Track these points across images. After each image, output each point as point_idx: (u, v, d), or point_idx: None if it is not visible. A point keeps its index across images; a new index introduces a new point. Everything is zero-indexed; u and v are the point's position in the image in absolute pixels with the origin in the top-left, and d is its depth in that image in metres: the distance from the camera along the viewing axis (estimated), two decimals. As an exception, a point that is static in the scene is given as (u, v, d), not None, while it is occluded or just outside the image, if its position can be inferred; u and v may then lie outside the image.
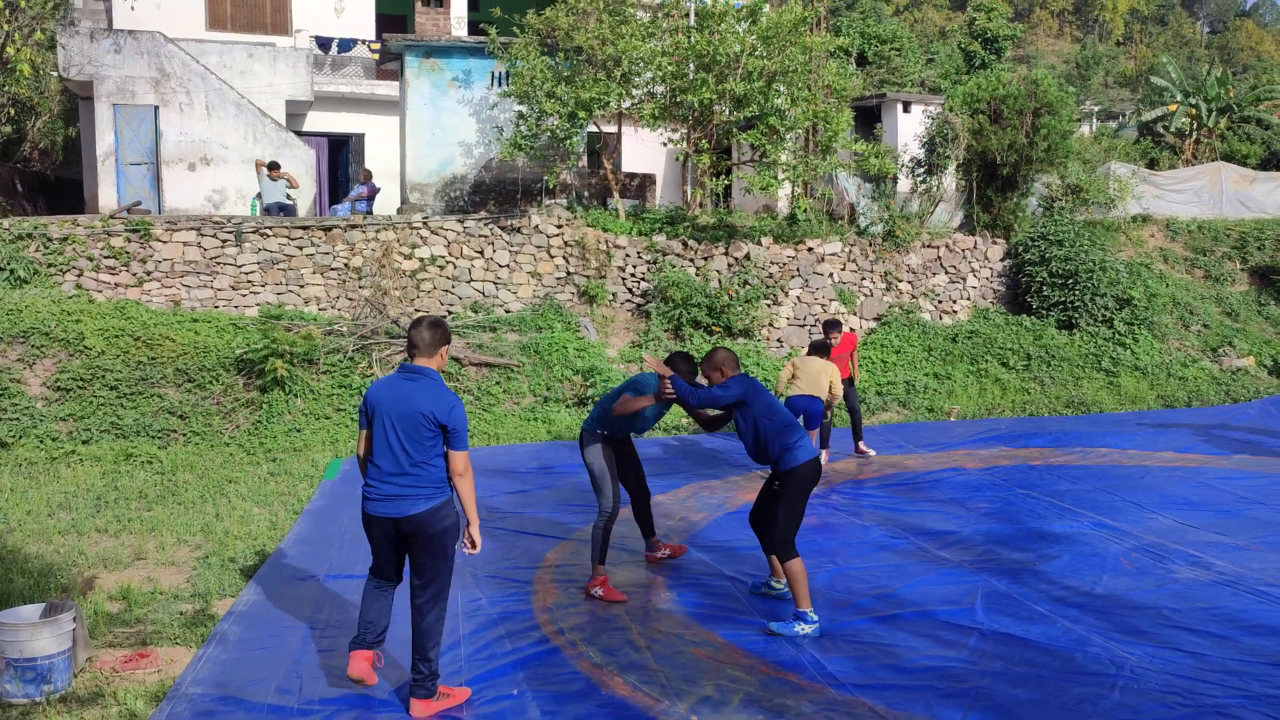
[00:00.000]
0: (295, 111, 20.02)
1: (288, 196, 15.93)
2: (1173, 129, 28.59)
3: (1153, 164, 24.42)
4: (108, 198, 16.32)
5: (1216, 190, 20.65)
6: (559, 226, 14.90)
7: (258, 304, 13.73)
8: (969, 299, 16.48)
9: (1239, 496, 8.72)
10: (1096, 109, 42.47)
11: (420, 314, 14.06)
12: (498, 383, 12.87)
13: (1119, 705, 4.64)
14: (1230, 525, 7.76)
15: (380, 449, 4.64)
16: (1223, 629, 5.59)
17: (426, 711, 4.61)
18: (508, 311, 14.51)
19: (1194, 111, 27.99)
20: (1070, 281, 15.77)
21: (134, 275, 13.34)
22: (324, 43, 21.00)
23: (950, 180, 17.23)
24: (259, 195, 15.99)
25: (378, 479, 4.66)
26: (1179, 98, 28.56)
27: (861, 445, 10.79)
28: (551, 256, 14.85)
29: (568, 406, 12.73)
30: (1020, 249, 16.52)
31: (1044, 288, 15.93)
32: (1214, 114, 27.72)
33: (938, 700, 4.72)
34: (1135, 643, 5.39)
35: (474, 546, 4.74)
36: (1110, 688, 4.83)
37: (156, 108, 16.57)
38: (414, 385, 4.64)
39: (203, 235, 13.66)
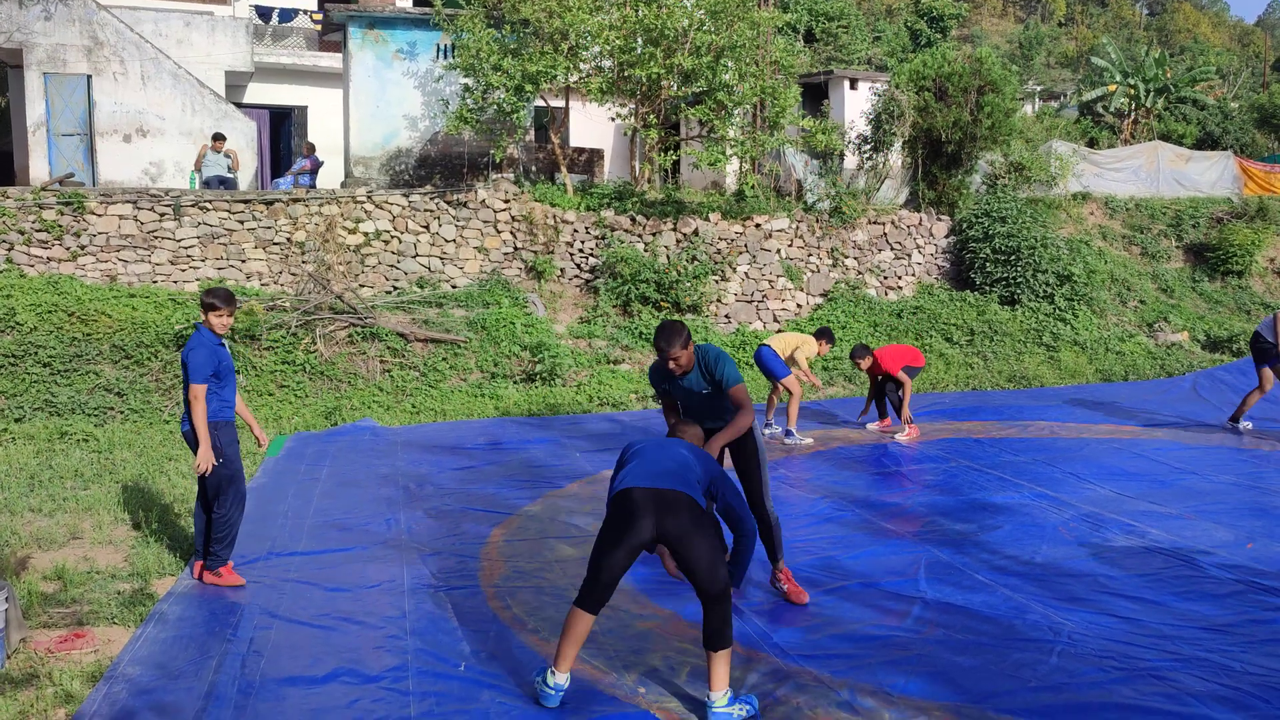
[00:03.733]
0: (235, 83, 19.58)
1: (229, 170, 15.59)
2: (1112, 109, 29.10)
3: (1093, 143, 24.85)
4: (39, 170, 15.84)
5: (1153, 169, 21.08)
6: (506, 201, 14.77)
7: (197, 279, 13.44)
8: (914, 275, 16.66)
9: (1172, 467, 8.94)
10: (1039, 89, 43.03)
11: (364, 288, 13.89)
12: (444, 359, 12.76)
13: (1056, 669, 4.74)
14: (1164, 495, 7.95)
15: None
16: (1156, 595, 5.73)
17: (206, 579, 6.01)
18: (454, 287, 14.37)
19: (1133, 92, 28.51)
20: (1013, 258, 16.00)
21: (67, 249, 12.99)
22: (264, 12, 20.53)
23: (896, 157, 17.37)
24: (198, 168, 15.63)
25: None
26: (1118, 78, 29.07)
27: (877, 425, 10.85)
28: (499, 231, 14.73)
29: (515, 383, 12.66)
30: (964, 226, 16.72)
31: (987, 264, 16.15)
32: (1152, 94, 28.27)
33: (882, 668, 4.78)
34: (1072, 609, 5.51)
35: (200, 466, 5.85)
36: (1048, 653, 4.93)
37: (89, 77, 16.09)
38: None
39: (139, 208, 13.32)
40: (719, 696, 4.26)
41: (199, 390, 5.87)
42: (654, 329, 13.89)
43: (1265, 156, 26.07)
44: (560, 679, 4.41)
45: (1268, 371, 10.66)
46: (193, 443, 5.96)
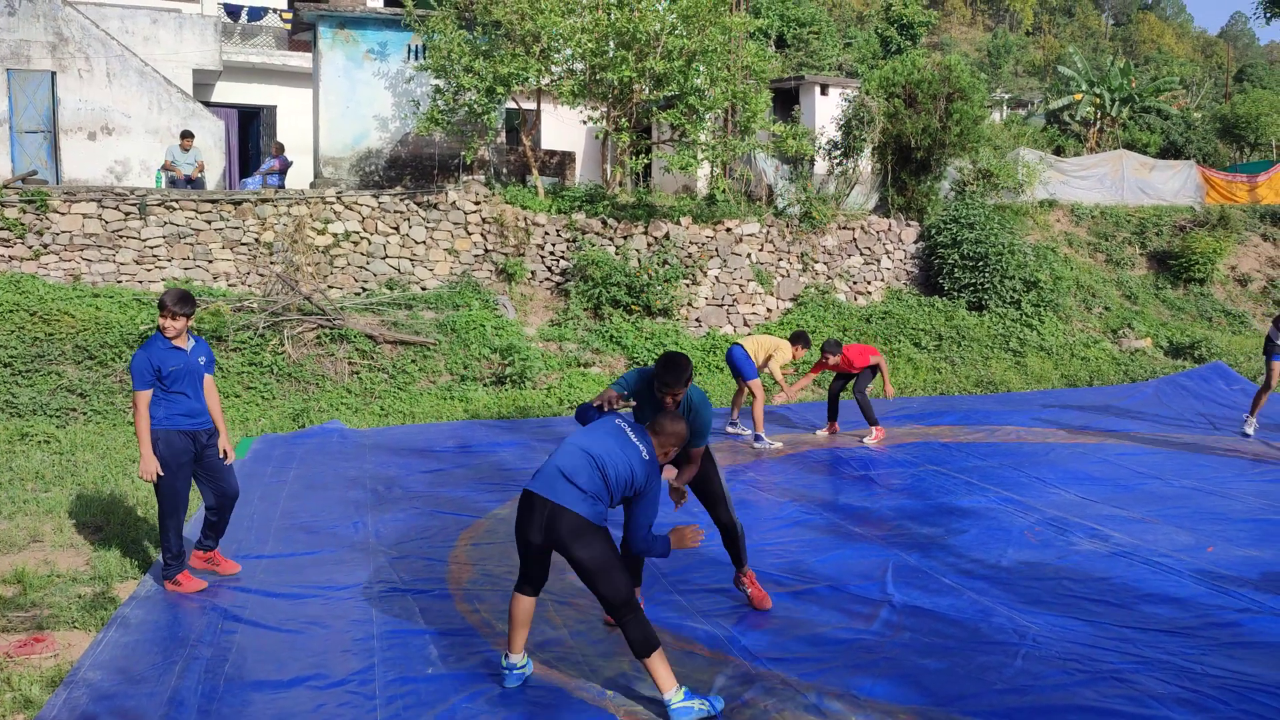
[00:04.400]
0: (203, 81, 19.40)
1: (198, 170, 15.44)
2: (1078, 117, 29.48)
3: (1059, 151, 25.16)
4: (1, 167, 15.60)
5: (1118, 177, 21.37)
6: (477, 203, 14.72)
7: (163, 279, 13.29)
8: (883, 280, 16.77)
9: (1136, 472, 9.05)
10: (1007, 96, 43.50)
11: (333, 289, 13.79)
12: (414, 361, 12.69)
13: (1021, 672, 4.78)
14: (1127, 499, 8.05)
15: None
16: (1119, 598, 5.80)
17: (168, 588, 5.85)
18: (424, 289, 14.30)
19: (1098, 101, 28.89)
20: (980, 264, 16.16)
21: (30, 248, 12.80)
22: (233, 10, 20.35)
23: (866, 163, 17.50)
24: (164, 167, 15.46)
25: None
26: (1084, 87, 29.45)
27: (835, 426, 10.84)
28: (469, 233, 14.68)
29: (485, 385, 12.62)
30: (933, 231, 16.86)
31: (955, 270, 16.30)
32: (1117, 104, 28.65)
33: (849, 671, 4.81)
34: (1037, 612, 5.57)
35: (141, 471, 5.73)
36: (1013, 656, 4.97)
37: (54, 73, 15.87)
38: None
39: (104, 207, 13.16)
40: (673, 694, 4.27)
41: (136, 397, 5.72)
42: (624, 331, 13.93)
43: (1227, 166, 26.52)
44: (515, 659, 4.60)
45: (1276, 365, 10.74)
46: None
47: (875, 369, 10.62)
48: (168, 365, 5.75)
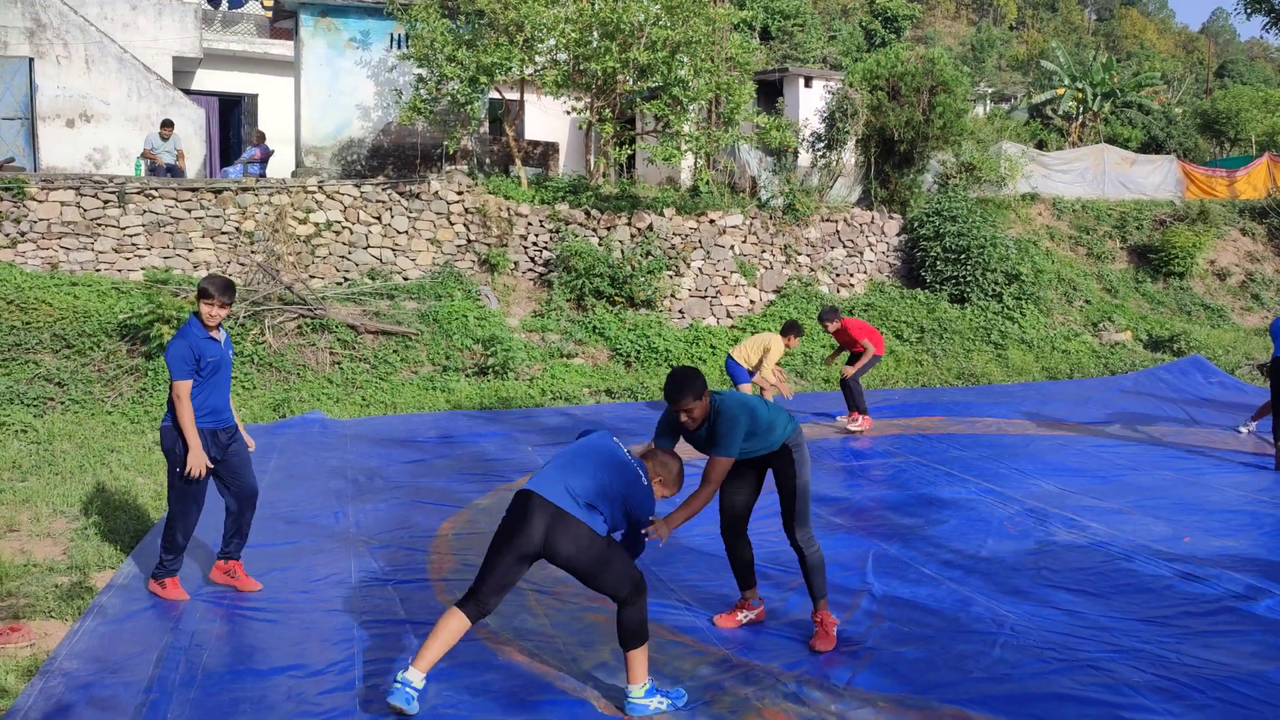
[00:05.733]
0: (183, 69, 19.22)
1: (178, 159, 15.32)
2: (1060, 112, 29.59)
3: (1041, 145, 25.25)
4: (-22, 154, 15.42)
5: (1100, 171, 21.47)
6: (459, 193, 14.66)
7: (143, 268, 13.19)
8: (866, 272, 16.81)
9: (1114, 463, 9.12)
10: (990, 90, 43.63)
11: (314, 279, 13.72)
12: (395, 351, 12.65)
13: (999, 661, 4.81)
14: (1106, 490, 8.11)
15: None
16: (1096, 588, 5.84)
17: (150, 587, 5.64)
18: (406, 279, 14.24)
19: (1080, 95, 29.02)
20: (963, 257, 16.22)
21: (6, 236, 12.67)
22: (214, -3, 20.17)
23: (850, 155, 17.52)
24: (143, 155, 15.32)
25: None
26: (1067, 82, 29.57)
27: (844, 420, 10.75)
28: (451, 223, 14.62)
29: (467, 376, 12.59)
30: (916, 224, 16.90)
31: (938, 262, 16.35)
32: (1099, 98, 28.78)
33: (829, 660, 4.83)
34: (1016, 602, 5.60)
35: (190, 467, 5.40)
36: (991, 644, 5.00)
37: (31, 60, 15.68)
38: None
39: (82, 195, 13.03)
40: (636, 689, 4.24)
41: (178, 388, 5.35)
42: (607, 322, 13.92)
43: (1207, 161, 26.69)
44: (413, 676, 4.09)
45: None
46: (164, 440, 5.49)
47: (876, 358, 10.62)
48: (206, 355, 5.43)
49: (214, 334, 5.53)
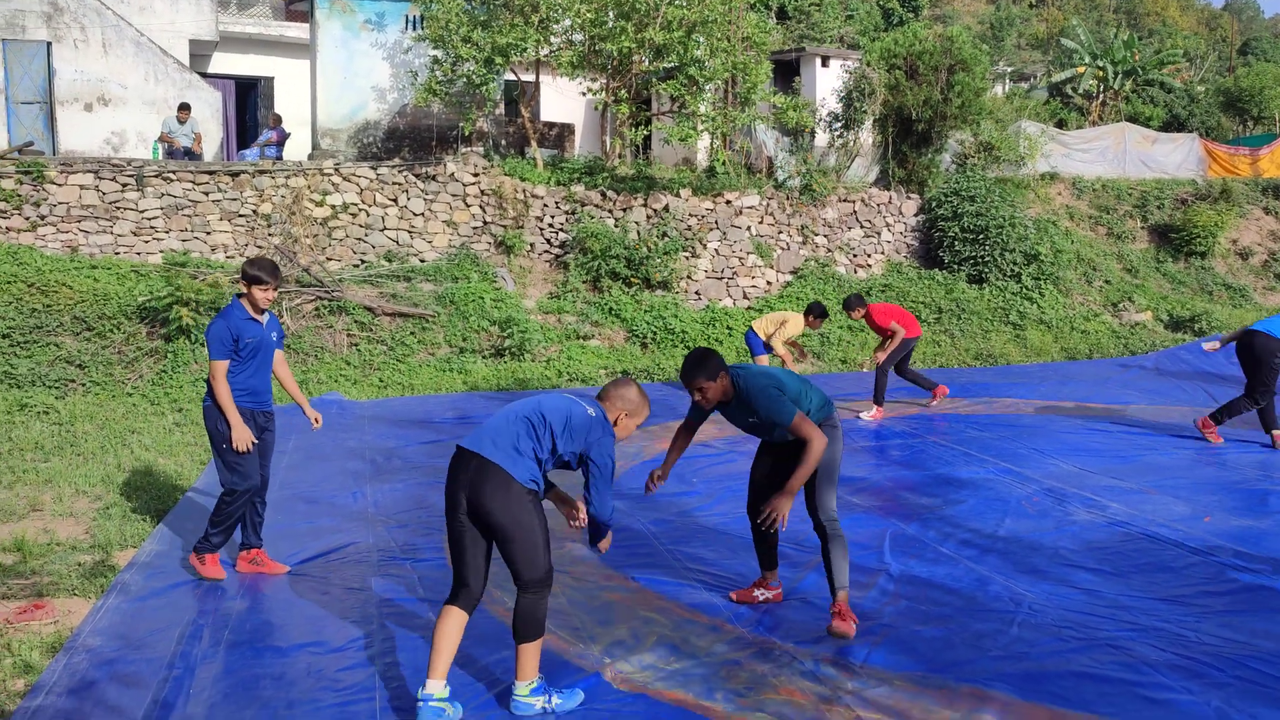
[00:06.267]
0: (200, 52, 19.25)
1: (195, 143, 15.36)
2: (1080, 91, 29.28)
3: (1061, 124, 25.00)
4: (-3, 138, 15.53)
5: (1120, 150, 21.25)
6: (475, 175, 14.66)
7: (161, 251, 13.26)
8: (883, 253, 16.72)
9: (1134, 443, 9.06)
10: (1009, 70, 43.20)
11: (331, 261, 13.76)
12: (412, 333, 12.68)
13: (1016, 640, 4.80)
14: (1125, 470, 8.06)
15: None
16: (1115, 567, 5.82)
17: (191, 560, 5.67)
18: (422, 261, 14.27)
19: (1101, 74, 28.70)
20: (981, 237, 16.10)
21: (27, 219, 12.75)
22: (229, -20, 20.17)
23: (867, 135, 17.40)
24: (161, 138, 15.38)
25: None
26: (1087, 60, 29.24)
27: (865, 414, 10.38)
28: (468, 205, 14.62)
29: (484, 357, 12.61)
30: (933, 204, 16.79)
31: (956, 243, 16.24)
32: (1120, 77, 28.46)
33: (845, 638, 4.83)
34: (1034, 581, 5.58)
35: (235, 442, 5.47)
36: (1009, 623, 4.99)
37: (49, 44, 15.75)
38: None
39: (101, 178, 13.10)
40: (522, 686, 4.03)
41: (215, 368, 5.42)
42: (623, 304, 13.91)
43: (1230, 139, 26.37)
44: (433, 687, 3.91)
45: None
46: (207, 420, 5.55)
47: (905, 343, 10.40)
48: (245, 336, 5.48)
49: (258, 316, 5.57)
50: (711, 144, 16.62)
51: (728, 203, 15.60)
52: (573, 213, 14.89)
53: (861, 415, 10.27)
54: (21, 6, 15.62)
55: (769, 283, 15.62)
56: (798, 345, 10.70)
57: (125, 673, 4.44)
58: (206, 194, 13.53)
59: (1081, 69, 29.33)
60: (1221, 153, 22.47)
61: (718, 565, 5.86)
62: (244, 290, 5.55)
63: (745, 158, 17.30)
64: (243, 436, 5.44)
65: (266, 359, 5.66)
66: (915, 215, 17.03)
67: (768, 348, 10.47)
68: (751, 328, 10.64)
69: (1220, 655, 4.60)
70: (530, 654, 4.01)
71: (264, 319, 5.65)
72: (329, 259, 13.79)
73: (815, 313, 10.44)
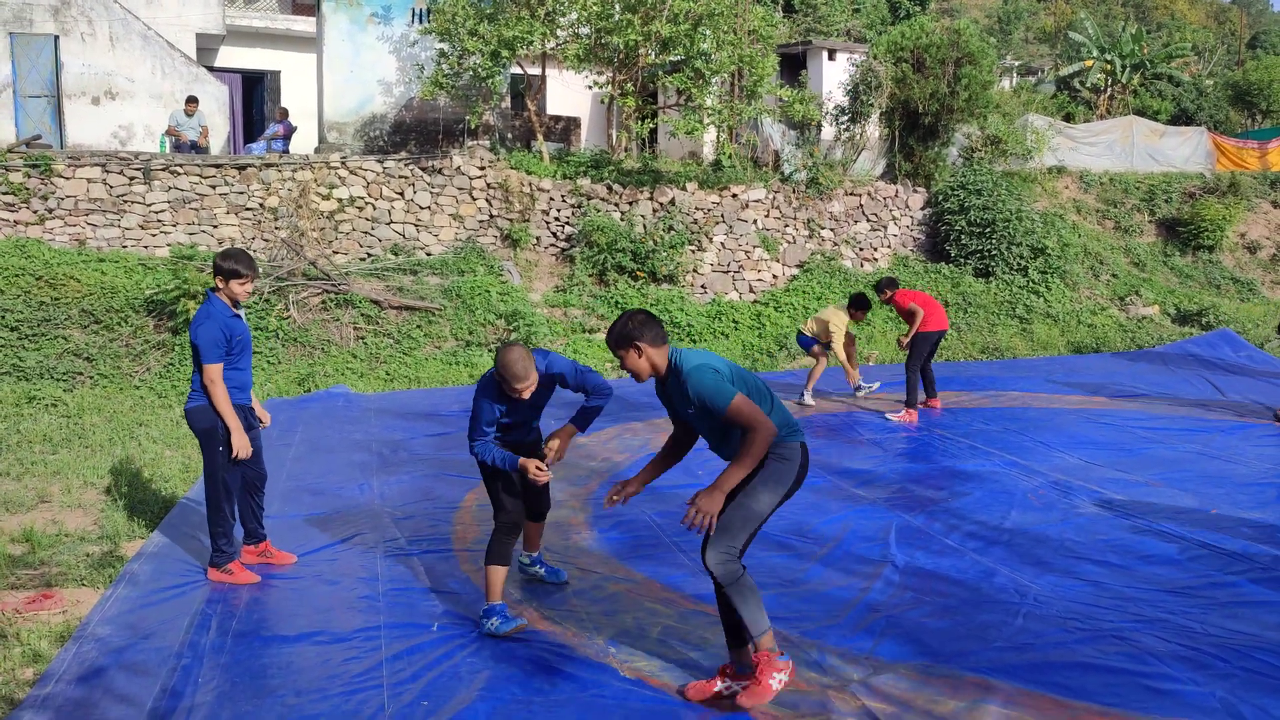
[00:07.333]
0: (206, 46, 19.28)
1: (201, 136, 15.39)
2: (1088, 84, 29.18)
3: (1068, 118, 24.92)
4: (5, 132, 15.56)
5: (1128, 144, 21.18)
6: (481, 168, 14.66)
7: (168, 244, 13.29)
8: (890, 246, 16.70)
9: (1140, 436, 9.05)
10: (1017, 64, 43.05)
11: (338, 254, 13.78)
12: (419, 326, 12.70)
13: (1021, 630, 4.81)
14: (1131, 463, 8.05)
15: None
16: (1121, 559, 5.81)
17: (212, 577, 5.47)
18: (429, 254, 14.28)
19: (1109, 67, 28.59)
20: (988, 230, 16.07)
21: (35, 213, 12.79)
22: (236, -26, 20.18)
23: (873, 128, 17.37)
24: (168, 132, 15.41)
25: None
26: (1095, 54, 29.13)
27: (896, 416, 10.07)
28: (474, 199, 14.63)
29: (490, 350, 12.62)
30: (940, 198, 16.76)
31: (962, 236, 16.22)
32: (1127, 70, 28.35)
33: (851, 630, 4.84)
34: (1039, 573, 5.59)
35: (236, 450, 5.40)
36: (1014, 615, 5.00)
37: (57, 37, 15.79)
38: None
39: (108, 172, 13.13)
40: (484, 607, 4.85)
41: (212, 372, 5.22)
42: (629, 297, 13.91)
43: (1238, 133, 26.26)
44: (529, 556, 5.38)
45: None
46: (197, 421, 5.35)
47: (930, 337, 10.17)
48: (234, 334, 5.35)
49: (238, 311, 5.50)
50: (718, 137, 16.60)
51: (734, 196, 15.59)
52: (579, 206, 14.89)
53: (890, 417, 9.88)
54: (29, 0, 15.65)
55: (775, 276, 15.62)
56: (851, 340, 10.52)
57: (134, 661, 4.47)
58: (213, 187, 13.55)
59: (1089, 62, 29.22)
60: (1229, 146, 22.38)
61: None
62: (218, 285, 5.34)
63: (751, 151, 17.28)
64: (243, 443, 5.36)
65: (249, 354, 5.57)
66: (922, 209, 17.00)
67: (820, 344, 10.47)
68: (800, 330, 10.81)
69: (1225, 646, 4.60)
70: (494, 577, 4.83)
71: (241, 312, 5.55)
72: (335, 252, 13.81)
73: (857, 305, 10.22)
